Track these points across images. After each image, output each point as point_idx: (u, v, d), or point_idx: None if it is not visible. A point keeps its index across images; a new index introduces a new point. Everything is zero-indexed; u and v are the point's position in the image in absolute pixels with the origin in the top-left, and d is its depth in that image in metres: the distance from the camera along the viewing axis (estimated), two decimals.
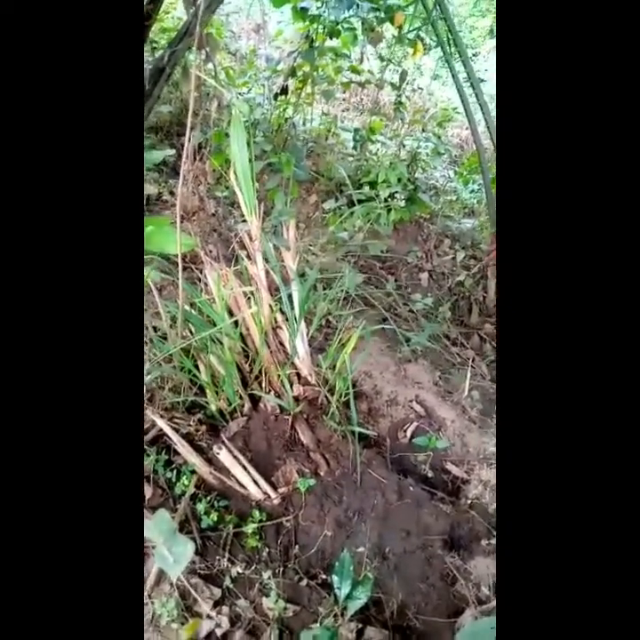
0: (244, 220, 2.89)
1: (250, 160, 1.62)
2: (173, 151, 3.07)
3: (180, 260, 1.50)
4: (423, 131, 4.44)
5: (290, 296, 1.85)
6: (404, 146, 3.64)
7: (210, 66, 2.48)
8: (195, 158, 2.43)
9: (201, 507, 1.50)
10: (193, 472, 1.57)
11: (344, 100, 5.85)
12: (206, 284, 1.97)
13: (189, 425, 1.64)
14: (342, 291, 2.04)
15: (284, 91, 3.34)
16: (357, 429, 1.69)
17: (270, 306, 1.80)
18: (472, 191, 4.25)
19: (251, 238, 1.79)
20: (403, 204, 2.49)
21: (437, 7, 2.04)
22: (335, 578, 1.28)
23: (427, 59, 6.00)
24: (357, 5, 3.16)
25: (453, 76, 2.45)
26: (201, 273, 2.01)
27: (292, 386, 1.81)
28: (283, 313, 1.87)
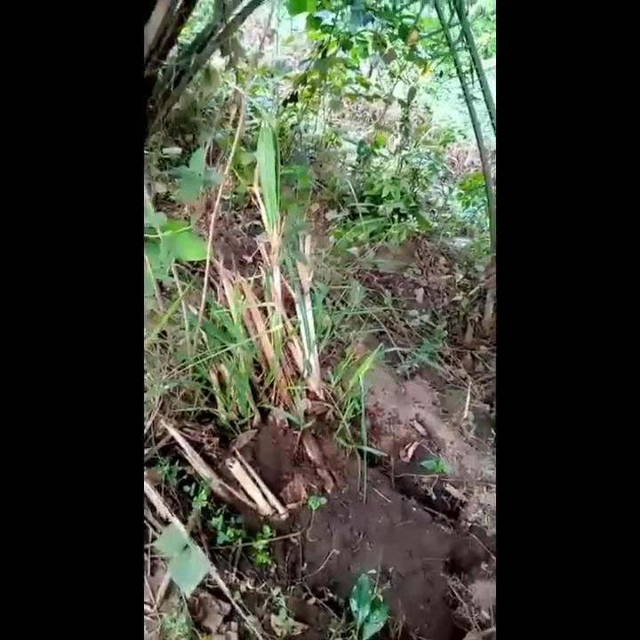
0: (254, 226, 2.89)
1: (276, 170, 1.62)
2: (180, 149, 3.04)
3: (207, 271, 1.50)
4: (416, 146, 4.50)
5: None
6: (406, 162, 3.68)
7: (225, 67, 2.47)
8: (208, 160, 2.41)
9: (216, 521, 1.49)
10: (205, 485, 1.56)
11: (343, 107, 5.89)
12: (216, 290, 1.96)
13: (202, 435, 1.62)
14: (353, 306, 2.06)
15: (294, 98, 3.34)
16: (367, 448, 1.71)
17: (283, 320, 1.80)
18: (467, 210, 4.32)
19: (268, 251, 1.79)
20: (415, 223, 2.51)
21: (464, 37, 2.08)
22: (353, 601, 1.30)
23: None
24: (373, 20, 3.19)
25: (468, 101, 2.50)
26: (215, 279, 1.99)
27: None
28: (294, 325, 1.88)
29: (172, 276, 1.48)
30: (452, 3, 2.09)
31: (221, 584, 1.39)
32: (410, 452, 2.00)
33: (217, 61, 2.90)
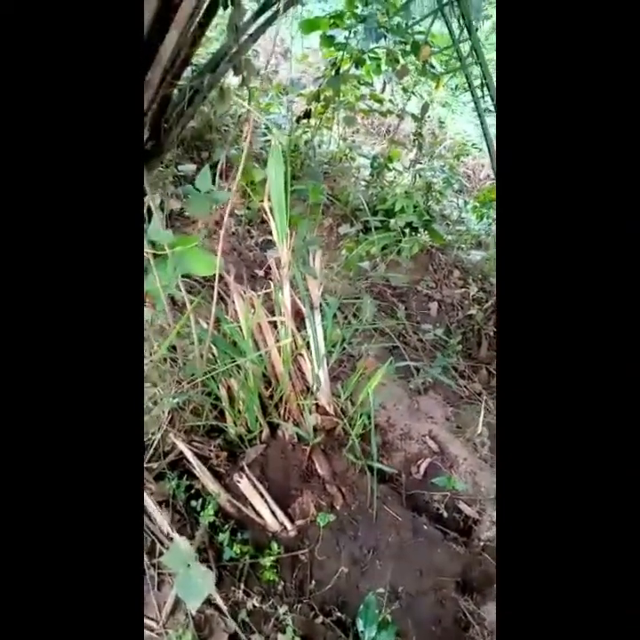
0: (267, 241, 2.91)
1: (285, 186, 1.63)
2: (194, 166, 3.10)
3: (216, 285, 1.51)
4: (430, 160, 4.50)
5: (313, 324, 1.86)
6: (420, 176, 3.68)
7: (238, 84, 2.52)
8: (221, 176, 2.45)
9: (223, 537, 1.49)
10: (212, 500, 1.56)
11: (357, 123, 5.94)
12: (227, 304, 1.97)
13: (210, 450, 1.63)
14: (365, 321, 2.05)
15: (308, 114, 3.39)
16: (377, 465, 1.69)
17: (293, 334, 1.80)
18: (482, 223, 4.29)
19: (278, 265, 1.80)
20: (428, 237, 2.50)
21: (474, 52, 2.09)
22: (359, 621, 1.27)
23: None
24: (385, 37, 3.23)
25: (480, 114, 2.50)
26: (226, 294, 2.01)
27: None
28: (303, 339, 1.88)
29: (180, 290, 1.50)
30: (461, 19, 2.10)
31: (220, 603, 1.37)
32: (422, 469, 1.97)
33: (231, 80, 2.96)
